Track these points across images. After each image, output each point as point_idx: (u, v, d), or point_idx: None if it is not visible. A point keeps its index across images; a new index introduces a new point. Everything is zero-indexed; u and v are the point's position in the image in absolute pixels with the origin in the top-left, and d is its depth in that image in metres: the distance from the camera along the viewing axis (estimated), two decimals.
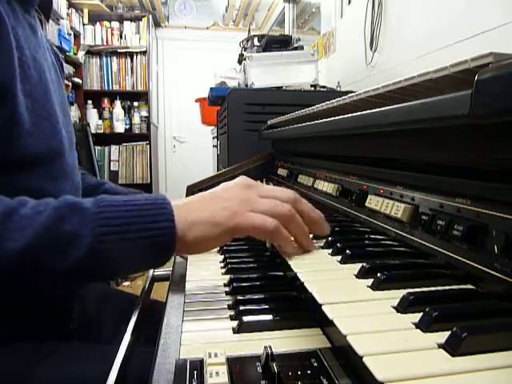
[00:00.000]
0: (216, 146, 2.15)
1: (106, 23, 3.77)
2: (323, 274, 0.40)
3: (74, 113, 3.47)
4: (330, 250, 0.47)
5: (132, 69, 3.84)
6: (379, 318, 0.30)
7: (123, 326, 0.52)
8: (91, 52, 3.73)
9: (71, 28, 3.41)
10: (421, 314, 0.29)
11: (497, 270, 0.32)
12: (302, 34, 3.03)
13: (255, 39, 1.72)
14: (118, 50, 3.78)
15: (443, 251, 0.39)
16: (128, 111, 3.91)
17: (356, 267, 0.40)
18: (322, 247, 0.50)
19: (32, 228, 0.38)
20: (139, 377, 0.44)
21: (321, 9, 2.37)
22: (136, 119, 3.85)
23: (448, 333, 0.26)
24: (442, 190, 0.41)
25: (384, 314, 0.31)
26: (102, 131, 3.76)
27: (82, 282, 0.50)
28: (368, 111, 0.48)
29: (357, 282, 0.38)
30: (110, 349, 0.53)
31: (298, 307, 0.43)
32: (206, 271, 0.57)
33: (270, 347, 0.32)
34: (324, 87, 1.60)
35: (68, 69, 3.27)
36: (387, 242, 0.48)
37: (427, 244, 0.41)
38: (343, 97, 0.56)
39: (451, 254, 0.38)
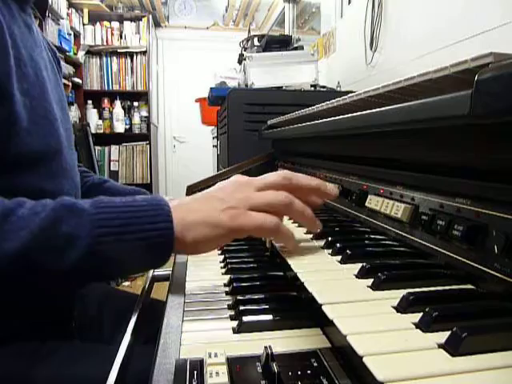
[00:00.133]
0: (216, 146, 2.15)
1: (105, 23, 3.77)
2: (323, 274, 0.40)
3: (74, 113, 3.47)
4: (329, 250, 0.48)
5: (132, 69, 3.84)
6: (379, 317, 0.30)
7: (123, 326, 0.52)
8: (91, 52, 3.73)
9: (71, 28, 3.41)
10: (421, 314, 0.29)
11: (497, 270, 0.32)
12: (301, 34, 3.03)
13: (255, 39, 1.72)
14: (118, 50, 3.77)
15: (443, 251, 0.39)
16: (128, 111, 3.90)
17: (356, 267, 0.40)
18: (322, 247, 0.50)
19: (29, 229, 0.37)
20: (139, 377, 0.44)
21: (321, 9, 2.36)
22: (136, 119, 3.85)
23: (448, 333, 0.26)
24: (441, 189, 0.41)
25: (384, 313, 0.31)
26: (101, 131, 3.76)
27: (80, 283, 0.50)
28: (368, 111, 0.48)
29: (357, 281, 0.38)
30: (110, 348, 0.53)
31: (298, 307, 0.43)
32: (206, 271, 0.57)
33: (270, 347, 0.32)
34: (324, 87, 1.60)
35: (68, 69, 3.26)
36: (387, 242, 0.48)
37: (427, 244, 0.41)
38: (343, 97, 0.56)
39: (451, 254, 0.38)
